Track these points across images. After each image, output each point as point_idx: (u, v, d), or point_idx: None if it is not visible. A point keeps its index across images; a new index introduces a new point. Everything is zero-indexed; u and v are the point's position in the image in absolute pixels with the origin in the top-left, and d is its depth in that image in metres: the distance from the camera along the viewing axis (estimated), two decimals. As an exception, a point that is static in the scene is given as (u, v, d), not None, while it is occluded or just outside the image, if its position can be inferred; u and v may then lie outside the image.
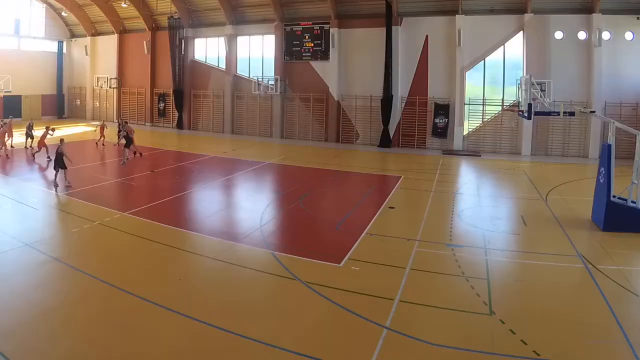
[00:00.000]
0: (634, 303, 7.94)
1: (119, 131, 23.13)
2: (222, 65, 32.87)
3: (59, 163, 15.09)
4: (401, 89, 26.91)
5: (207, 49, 33.93)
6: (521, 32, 24.51)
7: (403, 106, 27.16)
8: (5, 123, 21.90)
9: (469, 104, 26.04)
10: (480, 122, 26.16)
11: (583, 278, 8.92)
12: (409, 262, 9.43)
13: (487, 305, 7.59)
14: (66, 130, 31.74)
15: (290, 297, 7.93)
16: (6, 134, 21.48)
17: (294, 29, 29.72)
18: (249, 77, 31.80)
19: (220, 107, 33.14)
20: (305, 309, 7.48)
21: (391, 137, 27.21)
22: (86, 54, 39.20)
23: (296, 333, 6.72)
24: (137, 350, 6.20)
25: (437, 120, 26.38)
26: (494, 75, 25.92)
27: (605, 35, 23.01)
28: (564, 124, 24.15)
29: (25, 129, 23.03)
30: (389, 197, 15.34)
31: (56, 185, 15.01)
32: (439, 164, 21.77)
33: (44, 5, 37.67)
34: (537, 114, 14.19)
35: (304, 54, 29.58)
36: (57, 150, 15.29)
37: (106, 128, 25.43)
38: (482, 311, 7.40)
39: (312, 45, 29.20)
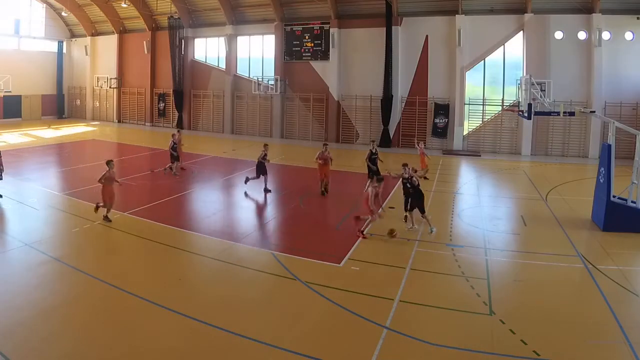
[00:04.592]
0: (634, 303, 7.94)
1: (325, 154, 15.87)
2: (222, 65, 32.85)
3: None
4: (401, 89, 26.91)
5: (207, 49, 33.91)
6: (521, 32, 24.51)
7: (403, 106, 27.17)
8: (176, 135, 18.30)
9: (469, 104, 26.05)
10: (480, 122, 26.18)
11: (583, 278, 8.92)
12: (409, 262, 9.43)
13: (487, 305, 7.59)
14: (66, 130, 31.78)
15: (290, 297, 7.93)
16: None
17: (294, 29, 29.70)
18: (249, 77, 31.78)
19: (220, 107, 33.11)
20: (305, 309, 7.48)
21: (391, 137, 27.22)
22: (86, 54, 39.20)
23: (296, 333, 6.71)
24: (137, 350, 6.20)
25: (437, 120, 26.38)
26: (494, 75, 25.93)
27: (605, 35, 23.01)
28: (564, 124, 24.16)
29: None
30: (389, 197, 15.33)
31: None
32: (438, 164, 21.72)
33: (44, 5, 37.64)
34: (537, 114, 14.17)
35: (304, 54, 29.57)
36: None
37: (426, 156, 18.56)
38: (482, 311, 7.40)
39: (312, 45, 29.20)
